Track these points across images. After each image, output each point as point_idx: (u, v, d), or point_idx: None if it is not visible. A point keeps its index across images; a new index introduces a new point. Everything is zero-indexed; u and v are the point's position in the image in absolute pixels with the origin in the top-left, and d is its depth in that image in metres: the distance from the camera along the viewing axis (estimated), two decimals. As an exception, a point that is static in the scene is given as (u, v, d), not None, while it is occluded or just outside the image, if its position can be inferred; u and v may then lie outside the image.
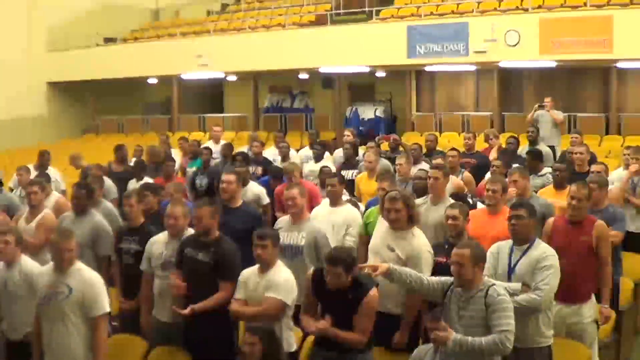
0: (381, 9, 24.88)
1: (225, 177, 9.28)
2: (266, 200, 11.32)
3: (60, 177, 14.57)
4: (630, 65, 20.58)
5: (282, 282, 7.03)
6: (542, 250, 6.80)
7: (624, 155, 11.82)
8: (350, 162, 14.16)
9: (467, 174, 11.96)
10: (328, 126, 26.56)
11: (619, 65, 20.57)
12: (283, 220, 8.76)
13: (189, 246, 7.53)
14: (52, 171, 14.21)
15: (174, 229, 7.88)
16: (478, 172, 12.57)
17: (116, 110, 30.36)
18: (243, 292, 7.15)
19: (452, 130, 24.13)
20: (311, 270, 7.00)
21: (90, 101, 30.46)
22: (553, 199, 9.68)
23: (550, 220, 8.05)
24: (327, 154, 15.24)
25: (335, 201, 9.70)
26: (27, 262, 7.63)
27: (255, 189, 11.31)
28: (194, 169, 14.86)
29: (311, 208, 10.11)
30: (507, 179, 9.48)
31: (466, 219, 7.69)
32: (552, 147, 16.27)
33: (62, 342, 6.76)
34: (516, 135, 15.56)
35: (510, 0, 22.21)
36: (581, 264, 7.39)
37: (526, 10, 20.90)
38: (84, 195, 9.44)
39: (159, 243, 8.05)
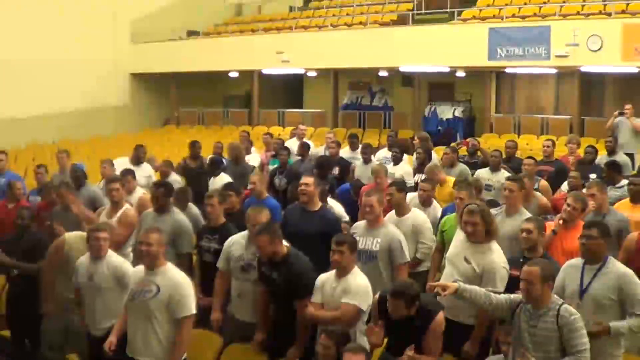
0: (463, 10, 24.86)
1: (303, 179, 9.26)
2: (345, 217, 10.96)
3: (153, 172, 14.53)
4: None
5: (358, 288, 7.17)
6: (621, 270, 6.76)
7: None
8: (423, 167, 14.13)
9: (543, 182, 11.86)
10: (406, 124, 26.60)
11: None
12: (359, 225, 8.83)
13: (265, 265, 7.63)
14: (145, 166, 14.32)
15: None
16: (555, 179, 12.54)
17: (197, 102, 30.76)
18: (320, 296, 7.32)
19: (531, 132, 23.98)
20: (377, 295, 7.08)
21: (171, 93, 30.85)
22: (629, 212, 9.64)
23: (633, 236, 8.01)
24: (405, 156, 15.16)
25: (399, 210, 9.63)
26: (113, 256, 7.91)
27: (335, 209, 10.95)
28: (275, 166, 15.07)
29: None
30: (584, 191, 9.51)
31: (541, 232, 7.70)
32: (630, 155, 16.14)
33: (146, 338, 6.98)
34: (594, 145, 15.39)
35: (593, 5, 22.01)
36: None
37: (609, 15, 20.69)
38: (162, 194, 9.61)
39: (238, 244, 8.19)
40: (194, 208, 10.90)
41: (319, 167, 13.15)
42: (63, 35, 26.62)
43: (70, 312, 8.28)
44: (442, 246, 8.78)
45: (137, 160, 14.26)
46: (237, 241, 8.25)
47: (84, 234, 8.42)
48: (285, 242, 7.66)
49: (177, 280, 7.00)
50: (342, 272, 7.26)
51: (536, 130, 24.15)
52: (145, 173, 13.84)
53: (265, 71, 27.57)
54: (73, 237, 8.67)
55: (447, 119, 25.67)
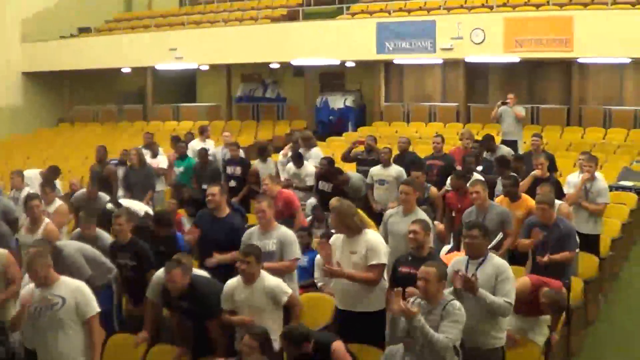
0: (350, 5, 25.60)
1: (209, 189, 9.83)
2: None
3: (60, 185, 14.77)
4: (591, 60, 21.45)
5: (275, 287, 7.95)
6: (498, 264, 7.55)
7: (579, 160, 12.60)
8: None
9: (433, 189, 12.46)
10: (299, 115, 27.32)
11: (580, 60, 21.39)
12: (253, 230, 9.30)
13: (173, 297, 8.23)
14: (58, 183, 14.52)
15: None
16: (445, 174, 13.25)
17: (90, 100, 30.75)
18: (230, 303, 8.02)
19: (420, 120, 24.85)
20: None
21: (64, 91, 30.84)
22: (508, 209, 10.56)
23: (525, 283, 8.45)
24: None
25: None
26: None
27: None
28: (181, 169, 15.62)
29: (289, 215, 11.10)
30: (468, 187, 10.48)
31: (427, 233, 8.34)
32: (514, 142, 17.12)
33: (58, 350, 7.22)
34: (479, 139, 15.96)
35: (475, -1, 23.08)
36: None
37: (491, 8, 21.70)
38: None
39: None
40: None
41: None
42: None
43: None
44: None
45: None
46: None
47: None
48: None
49: (76, 285, 7.33)
50: (250, 279, 7.90)
51: (424, 118, 25.05)
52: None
53: (158, 67, 27.71)
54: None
55: (338, 109, 26.26)
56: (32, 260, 7.22)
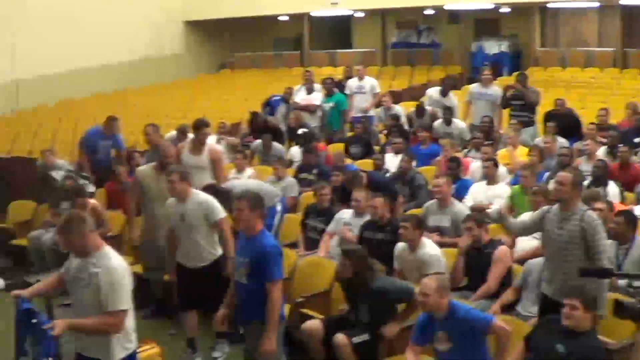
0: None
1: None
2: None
3: None
4: None
5: (432, 257, 8.38)
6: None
7: None
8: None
9: None
10: (454, 60, 27.29)
11: None
12: (431, 204, 10.02)
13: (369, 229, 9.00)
14: None
15: None
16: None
17: (248, 47, 31.46)
18: (397, 263, 8.68)
19: (576, 65, 24.54)
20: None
21: (224, 38, 31.69)
22: None
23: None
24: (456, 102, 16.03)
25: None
26: (198, 194, 8.67)
27: None
28: (331, 104, 16.37)
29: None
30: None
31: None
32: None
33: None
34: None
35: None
36: None
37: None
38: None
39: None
40: None
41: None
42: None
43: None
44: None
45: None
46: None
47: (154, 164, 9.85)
48: None
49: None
50: (410, 244, 8.48)
51: (581, 63, 24.70)
52: None
53: (314, 13, 28.15)
54: (144, 168, 10.08)
55: (493, 54, 26.21)
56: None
